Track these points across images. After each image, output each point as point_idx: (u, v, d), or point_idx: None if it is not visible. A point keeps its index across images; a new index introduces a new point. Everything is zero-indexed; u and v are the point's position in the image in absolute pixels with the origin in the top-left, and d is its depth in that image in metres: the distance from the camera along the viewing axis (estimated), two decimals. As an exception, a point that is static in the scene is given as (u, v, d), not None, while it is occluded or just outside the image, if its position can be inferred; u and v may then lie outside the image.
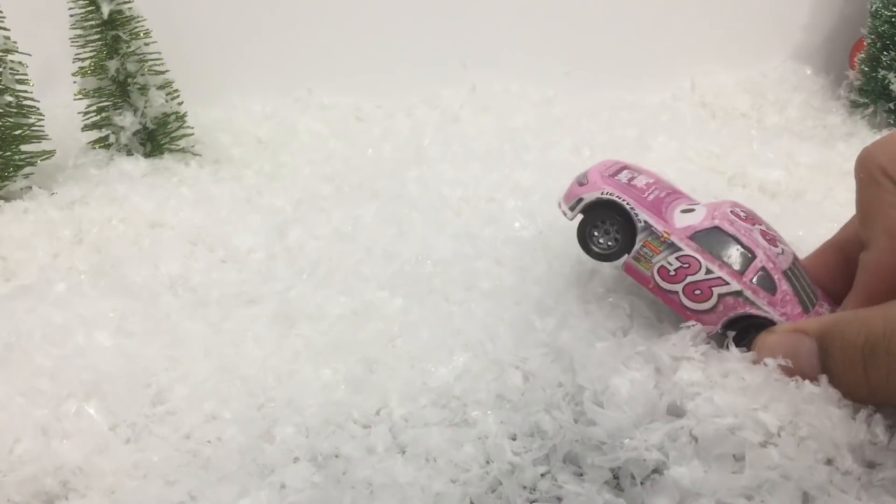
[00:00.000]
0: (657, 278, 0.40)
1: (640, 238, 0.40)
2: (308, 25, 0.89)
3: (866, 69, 0.83)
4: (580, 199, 0.42)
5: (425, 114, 0.88)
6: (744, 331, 0.40)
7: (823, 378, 0.36)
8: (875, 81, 0.82)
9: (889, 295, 0.36)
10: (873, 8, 0.82)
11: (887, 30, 0.80)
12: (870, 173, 0.37)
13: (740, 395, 0.36)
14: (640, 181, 0.43)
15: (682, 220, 0.41)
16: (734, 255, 0.39)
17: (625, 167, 0.44)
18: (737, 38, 0.94)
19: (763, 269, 0.39)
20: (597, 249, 0.42)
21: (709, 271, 0.39)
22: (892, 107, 0.82)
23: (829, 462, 0.33)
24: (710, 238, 0.39)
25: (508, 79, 0.92)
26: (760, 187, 0.68)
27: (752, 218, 0.42)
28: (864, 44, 0.84)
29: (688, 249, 0.39)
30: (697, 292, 0.40)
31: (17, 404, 0.41)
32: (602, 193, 0.41)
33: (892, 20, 0.80)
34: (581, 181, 0.43)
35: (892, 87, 0.81)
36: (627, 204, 0.41)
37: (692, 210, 0.41)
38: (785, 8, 0.93)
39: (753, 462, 0.33)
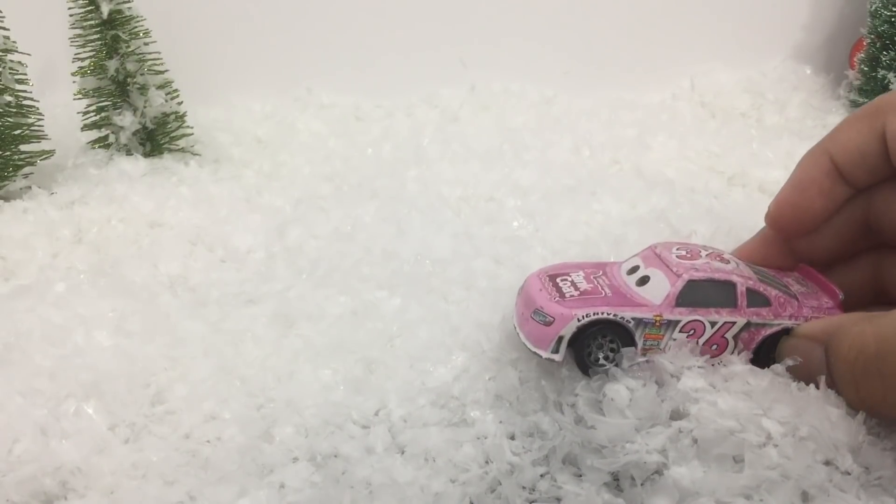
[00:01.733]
0: None
1: (637, 335, 0.39)
2: (308, 25, 0.89)
3: (866, 69, 0.83)
4: (560, 338, 0.39)
5: (425, 113, 0.88)
6: (769, 350, 0.40)
7: (822, 379, 0.36)
8: (875, 81, 0.82)
9: (813, 191, 0.41)
10: (873, 8, 0.82)
11: (887, 30, 0.80)
12: (872, 108, 0.40)
13: (743, 399, 0.36)
14: (581, 282, 0.41)
15: (653, 294, 0.39)
16: (719, 295, 0.39)
17: (554, 276, 0.42)
18: (737, 37, 0.94)
19: (748, 289, 0.39)
20: (605, 366, 0.40)
21: (713, 323, 0.39)
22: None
23: (827, 462, 0.33)
24: (692, 293, 0.39)
25: (508, 78, 0.92)
26: (760, 187, 0.68)
27: (691, 250, 0.41)
28: (864, 44, 0.84)
29: (685, 318, 0.39)
30: (714, 347, 0.39)
31: (17, 404, 0.41)
32: (579, 319, 0.38)
33: (891, 20, 0.80)
34: (544, 321, 0.39)
35: (891, 86, 0.80)
36: (607, 314, 0.38)
37: (647, 279, 0.40)
38: (785, 8, 0.93)
39: (753, 462, 0.33)
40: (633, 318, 0.39)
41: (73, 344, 0.46)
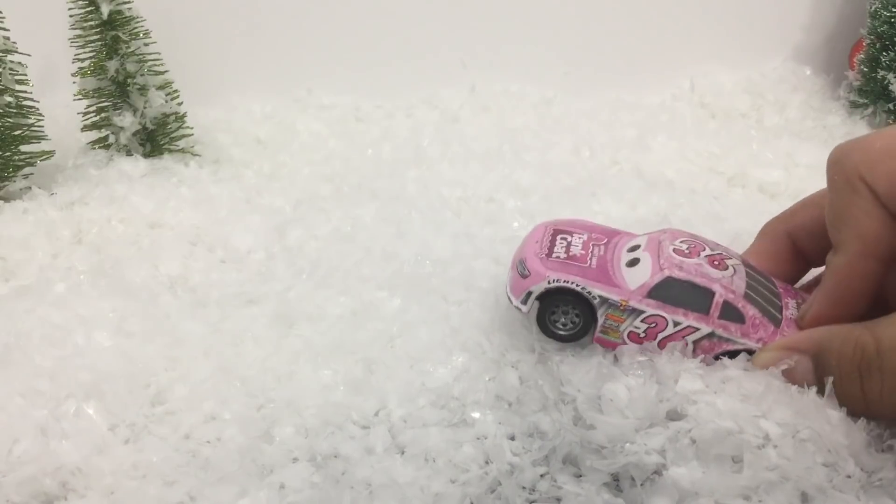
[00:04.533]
0: (629, 343, 0.40)
1: (600, 312, 0.40)
2: (308, 25, 0.89)
3: (866, 70, 0.83)
4: (529, 293, 0.41)
5: (425, 114, 0.88)
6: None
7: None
8: (874, 82, 0.82)
9: (855, 300, 0.37)
10: (872, 8, 0.82)
11: (887, 30, 0.80)
12: (846, 177, 0.36)
13: (742, 401, 0.36)
14: (577, 245, 0.42)
15: (633, 278, 0.40)
16: (694, 298, 0.39)
17: (556, 233, 0.43)
18: (737, 38, 0.94)
19: (725, 302, 0.39)
20: (561, 332, 0.41)
21: (676, 323, 0.39)
22: (892, 107, 0.82)
23: (827, 464, 0.33)
24: (666, 289, 0.39)
25: (508, 79, 0.92)
26: (760, 187, 0.68)
27: (694, 246, 0.41)
28: (864, 44, 0.84)
29: (650, 309, 0.39)
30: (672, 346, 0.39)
31: (17, 405, 0.41)
32: (549, 282, 0.40)
33: (891, 21, 0.80)
34: (522, 272, 0.41)
35: (891, 87, 0.80)
36: (576, 285, 0.40)
37: (637, 261, 0.40)
38: (785, 8, 0.93)
39: (752, 463, 0.33)
40: (600, 297, 0.39)
41: (73, 344, 0.46)
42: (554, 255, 0.41)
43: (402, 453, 0.38)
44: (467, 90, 0.91)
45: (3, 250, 0.59)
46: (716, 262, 0.40)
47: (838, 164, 0.37)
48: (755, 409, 0.35)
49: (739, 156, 0.72)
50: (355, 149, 0.80)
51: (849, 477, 0.33)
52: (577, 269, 0.40)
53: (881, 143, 0.36)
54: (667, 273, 0.39)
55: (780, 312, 0.40)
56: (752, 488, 0.33)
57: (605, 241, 0.43)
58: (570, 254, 0.41)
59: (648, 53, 0.93)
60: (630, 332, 0.40)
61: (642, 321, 0.39)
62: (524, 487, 0.36)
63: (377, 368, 0.44)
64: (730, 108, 0.89)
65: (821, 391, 0.36)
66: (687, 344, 0.39)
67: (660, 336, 0.39)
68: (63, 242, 0.61)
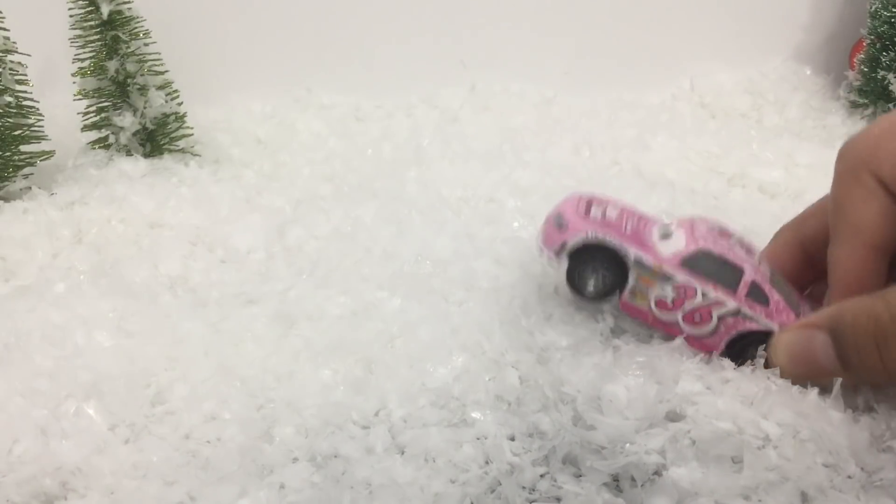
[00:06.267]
0: (655, 310, 0.40)
1: (632, 273, 0.40)
2: (308, 25, 0.89)
3: (866, 70, 0.83)
4: (563, 244, 0.41)
5: (425, 113, 0.88)
6: (742, 349, 0.40)
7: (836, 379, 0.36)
8: (874, 82, 0.82)
9: (862, 289, 0.37)
10: (873, 8, 0.82)
11: (887, 30, 0.80)
12: (848, 166, 0.37)
13: (742, 401, 0.36)
14: (612, 213, 0.42)
15: (666, 248, 0.40)
16: (725, 274, 0.39)
17: (591, 201, 0.44)
18: (737, 38, 0.94)
19: (753, 282, 0.39)
20: (590, 290, 0.41)
21: (705, 295, 0.39)
22: (892, 107, 0.82)
23: (828, 466, 0.33)
24: (699, 261, 0.39)
25: (508, 79, 0.92)
26: (760, 187, 0.68)
27: (725, 232, 0.42)
28: (864, 44, 0.84)
29: (681, 277, 0.39)
30: (697, 317, 0.40)
31: (16, 405, 0.41)
32: (588, 235, 0.40)
33: (891, 21, 0.80)
34: (560, 223, 0.42)
35: (891, 87, 0.80)
36: (614, 242, 0.40)
37: (669, 235, 0.41)
38: (785, 8, 0.93)
39: (752, 463, 0.33)
40: (636, 257, 0.40)
41: (73, 344, 0.46)
42: (592, 216, 0.41)
43: (402, 453, 0.38)
44: (467, 90, 0.91)
45: (3, 250, 0.59)
46: (746, 249, 0.41)
47: (841, 156, 0.38)
48: (755, 410, 0.35)
49: (739, 156, 0.72)
50: (355, 149, 0.80)
51: (849, 477, 0.33)
52: (615, 229, 0.41)
53: (880, 129, 0.37)
54: (702, 245, 0.40)
55: (799, 308, 0.41)
56: (752, 488, 0.33)
57: (638, 217, 0.43)
58: (606, 218, 0.42)
59: (648, 53, 0.93)
60: (658, 298, 0.40)
61: (672, 288, 0.39)
62: (524, 487, 0.36)
63: (377, 368, 0.44)
64: (730, 108, 0.89)
65: (844, 367, 0.36)
66: (712, 318, 0.39)
67: (686, 306, 0.39)
68: (63, 242, 0.61)
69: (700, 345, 0.40)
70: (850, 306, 0.36)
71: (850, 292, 0.37)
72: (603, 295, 0.41)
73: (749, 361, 0.39)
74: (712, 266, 0.39)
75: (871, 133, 0.37)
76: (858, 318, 0.35)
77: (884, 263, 0.38)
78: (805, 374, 0.37)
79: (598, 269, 0.41)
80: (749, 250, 0.42)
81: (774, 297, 0.40)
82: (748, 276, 0.39)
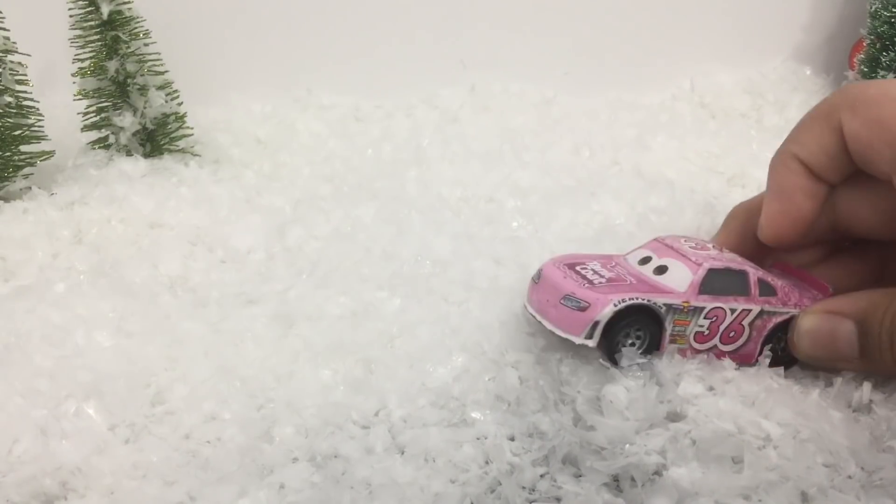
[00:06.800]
0: (695, 345, 0.40)
1: (668, 321, 0.39)
2: (308, 25, 0.89)
3: (865, 70, 0.83)
4: (595, 323, 0.38)
5: (424, 114, 0.88)
6: (770, 340, 0.41)
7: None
8: (875, 82, 0.82)
9: (795, 197, 0.40)
10: (873, 9, 0.82)
11: (886, 31, 0.80)
12: (820, 111, 0.39)
13: (742, 402, 0.36)
14: (602, 271, 0.41)
15: (676, 282, 0.40)
16: (736, 283, 0.40)
17: (572, 265, 0.42)
18: (737, 38, 0.94)
19: (759, 279, 0.40)
20: (639, 355, 0.40)
21: (733, 311, 0.40)
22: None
23: (828, 465, 0.33)
24: (713, 281, 0.40)
25: (508, 79, 0.92)
26: (760, 188, 0.67)
27: (698, 243, 0.43)
28: (864, 44, 0.84)
29: (709, 304, 0.39)
30: (732, 334, 0.40)
31: (16, 405, 0.41)
32: (616, 304, 0.38)
33: (891, 21, 0.80)
34: (578, 306, 0.39)
35: (891, 87, 0.80)
36: (642, 300, 0.38)
37: (664, 268, 0.41)
38: (785, 8, 0.93)
39: (752, 463, 0.33)
40: (665, 304, 0.39)
41: (73, 344, 0.46)
42: (595, 282, 0.40)
43: (402, 453, 0.38)
44: (467, 90, 0.91)
45: (3, 250, 0.59)
46: (700, 246, 0.42)
47: (830, 96, 0.40)
48: (756, 410, 0.35)
49: (739, 156, 0.73)
50: (355, 149, 0.80)
51: (849, 477, 0.33)
52: (626, 286, 0.40)
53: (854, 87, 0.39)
54: (706, 266, 0.40)
55: (777, 280, 0.42)
56: (752, 488, 0.33)
57: (613, 262, 0.43)
58: (606, 277, 0.40)
59: (648, 53, 0.93)
60: (696, 333, 0.40)
61: (705, 318, 0.40)
62: (524, 487, 0.36)
63: (377, 368, 0.44)
64: (730, 108, 0.89)
65: (864, 356, 0.36)
66: (744, 329, 0.40)
67: (721, 328, 0.40)
68: (63, 242, 0.61)
69: (740, 357, 0.41)
70: (880, 301, 0.37)
71: (782, 200, 0.40)
72: (645, 353, 0.40)
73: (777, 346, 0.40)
74: (723, 280, 0.40)
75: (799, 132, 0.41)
76: (887, 317, 0.36)
77: (816, 185, 0.40)
78: (823, 358, 0.38)
79: (629, 333, 0.39)
80: (704, 246, 0.42)
81: (777, 283, 0.41)
82: (752, 276, 0.40)
